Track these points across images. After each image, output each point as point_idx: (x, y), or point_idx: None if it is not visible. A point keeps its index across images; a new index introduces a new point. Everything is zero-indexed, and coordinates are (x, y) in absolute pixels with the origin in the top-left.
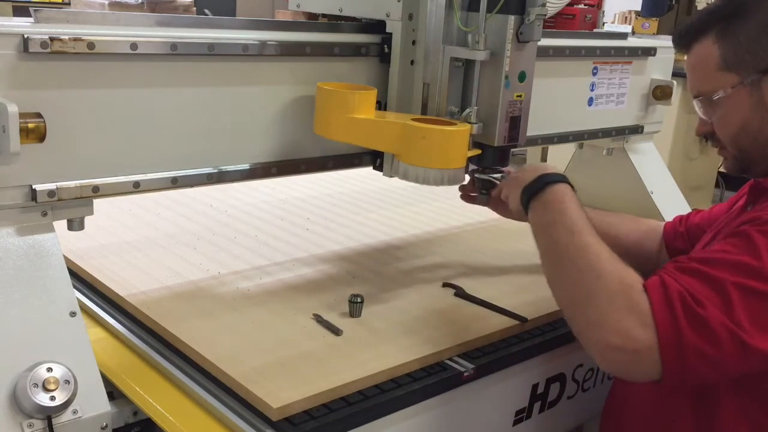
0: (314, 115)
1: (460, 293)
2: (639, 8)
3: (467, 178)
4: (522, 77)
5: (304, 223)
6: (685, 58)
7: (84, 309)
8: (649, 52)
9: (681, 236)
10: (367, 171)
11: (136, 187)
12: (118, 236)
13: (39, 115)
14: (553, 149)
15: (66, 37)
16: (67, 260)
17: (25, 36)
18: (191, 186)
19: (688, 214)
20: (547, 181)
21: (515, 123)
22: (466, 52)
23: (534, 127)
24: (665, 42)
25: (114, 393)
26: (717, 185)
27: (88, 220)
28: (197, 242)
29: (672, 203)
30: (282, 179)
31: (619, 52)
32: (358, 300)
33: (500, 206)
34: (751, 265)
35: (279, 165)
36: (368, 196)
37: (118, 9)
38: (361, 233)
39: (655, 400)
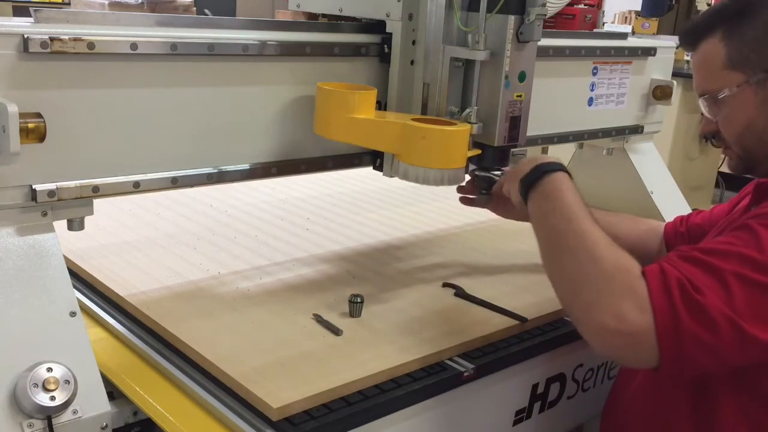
0: (314, 115)
1: (460, 293)
2: (639, 8)
3: (467, 178)
4: (522, 77)
5: (304, 223)
6: (691, 56)
7: (84, 309)
8: (649, 52)
9: (681, 236)
10: (367, 171)
11: (136, 187)
12: (118, 236)
13: (39, 115)
14: (553, 149)
15: (66, 37)
16: (67, 260)
17: (25, 36)
18: (191, 186)
19: (689, 215)
20: (544, 170)
21: (515, 123)
22: (466, 52)
23: (534, 127)
24: (665, 42)
25: (114, 393)
26: (717, 185)
27: (88, 220)
28: (197, 242)
29: (672, 203)
30: (282, 179)
31: (619, 52)
32: (358, 300)
33: (500, 207)
34: (754, 257)
35: (279, 165)
36: (368, 196)
37: (118, 9)
38: (361, 233)
39: (656, 400)
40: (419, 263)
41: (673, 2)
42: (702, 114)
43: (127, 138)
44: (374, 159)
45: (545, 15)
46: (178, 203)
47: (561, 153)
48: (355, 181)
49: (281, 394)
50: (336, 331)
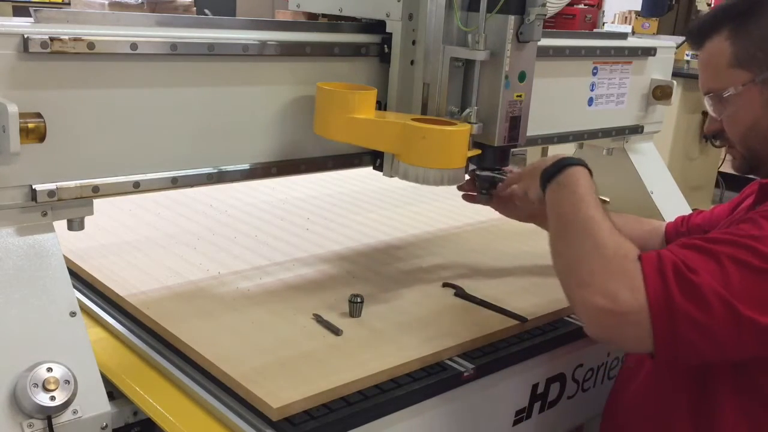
0: (314, 115)
1: (460, 293)
2: (639, 8)
3: (466, 177)
4: (522, 77)
5: (304, 223)
6: (697, 54)
7: (84, 309)
8: (649, 52)
9: (683, 236)
10: (367, 171)
11: (136, 187)
12: (118, 236)
13: (39, 115)
14: (553, 149)
15: (66, 37)
16: (67, 260)
17: (25, 36)
18: (191, 186)
19: (690, 215)
20: (565, 164)
21: (515, 123)
22: (466, 52)
23: (534, 127)
24: (665, 42)
25: (114, 393)
26: (717, 185)
27: (88, 220)
28: (197, 242)
29: (672, 203)
30: (282, 179)
31: (619, 52)
32: (358, 300)
33: (502, 206)
34: (754, 245)
35: (279, 165)
36: (368, 196)
37: (118, 9)
38: (361, 233)
39: (656, 400)
40: (419, 263)
41: (673, 2)
42: (703, 113)
43: (127, 138)
44: (374, 159)
45: (545, 15)
46: (178, 203)
47: (561, 153)
48: (355, 181)
49: (281, 394)
50: (336, 331)
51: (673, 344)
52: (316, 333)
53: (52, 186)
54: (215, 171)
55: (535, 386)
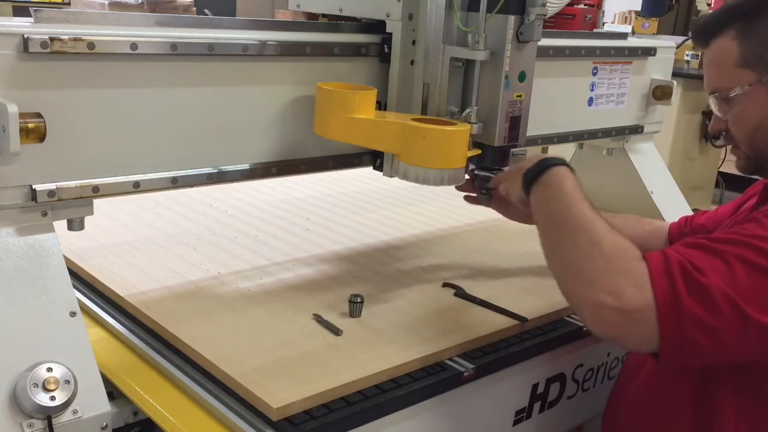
0: (314, 115)
1: (460, 293)
2: (639, 8)
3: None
4: (522, 77)
5: (304, 223)
6: (703, 53)
7: (84, 309)
8: (649, 52)
9: (686, 237)
10: (367, 171)
11: (136, 187)
12: (118, 236)
13: (39, 115)
14: (553, 149)
15: (66, 37)
16: (67, 260)
17: (25, 36)
18: (191, 186)
19: (694, 215)
20: (547, 164)
21: (515, 123)
22: (466, 52)
23: (534, 127)
24: (665, 42)
25: (114, 393)
26: (717, 185)
27: (88, 220)
28: (197, 242)
29: (672, 203)
30: (282, 179)
31: (619, 52)
32: (358, 300)
33: (503, 206)
34: (761, 245)
35: (279, 165)
36: (368, 196)
37: (118, 9)
38: (361, 233)
39: (657, 401)
40: (419, 263)
41: (673, 2)
42: (703, 113)
43: (127, 138)
44: (374, 159)
45: (545, 15)
46: (178, 203)
47: (561, 153)
48: (355, 181)
49: (281, 394)
50: (336, 331)
51: (678, 345)
52: (316, 333)
53: (52, 186)
54: (215, 171)
55: (535, 386)
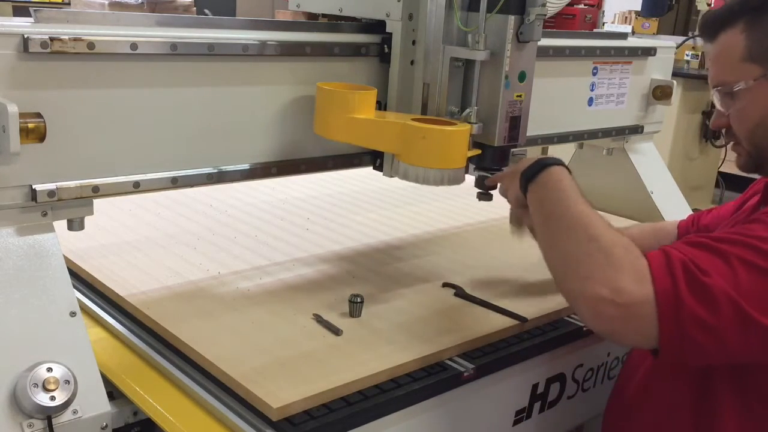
0: (314, 115)
1: (460, 293)
2: (639, 8)
3: (467, 178)
4: (522, 77)
5: (304, 223)
6: (710, 47)
7: (84, 309)
8: (649, 52)
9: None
10: (367, 171)
11: (136, 187)
12: (118, 236)
13: (39, 115)
14: (553, 149)
15: (66, 37)
16: (67, 260)
17: (25, 36)
18: (191, 186)
19: (700, 215)
20: (544, 164)
21: (515, 123)
22: (466, 52)
23: (534, 127)
24: (665, 42)
25: (114, 393)
26: (717, 185)
27: (88, 220)
28: (197, 242)
29: (672, 203)
30: (282, 179)
31: (619, 52)
32: (358, 300)
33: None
34: (761, 246)
35: (279, 165)
36: (368, 196)
37: (118, 9)
38: (361, 233)
39: (656, 401)
40: (419, 263)
41: (673, 2)
42: (703, 113)
43: (127, 138)
44: (374, 159)
45: (545, 15)
46: (178, 203)
47: (561, 153)
48: (355, 181)
49: (281, 394)
50: (336, 331)
51: (678, 343)
52: (316, 333)
53: (52, 186)
54: (215, 171)
55: (535, 386)
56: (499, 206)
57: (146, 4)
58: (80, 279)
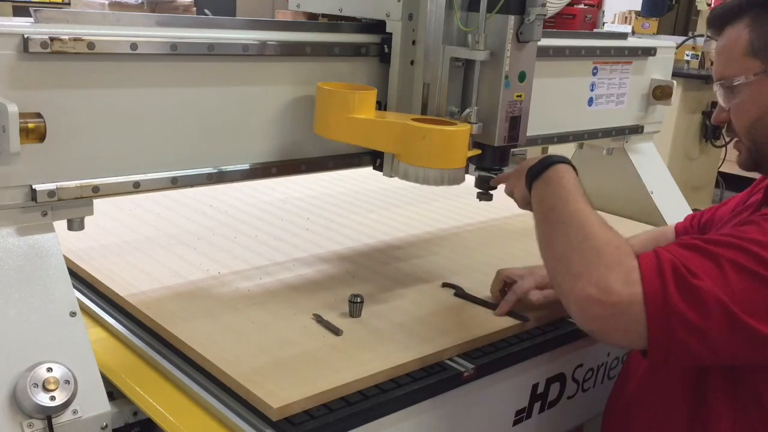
0: (314, 115)
1: (460, 293)
2: (639, 8)
3: (467, 178)
4: (522, 77)
5: (304, 223)
6: (716, 40)
7: (84, 309)
8: (649, 52)
9: (694, 232)
10: (367, 171)
11: (136, 187)
12: (119, 236)
13: (39, 115)
14: (553, 149)
15: (66, 37)
16: (67, 260)
17: (25, 36)
18: (191, 186)
19: (702, 212)
20: (549, 162)
21: (515, 123)
22: (466, 52)
23: (534, 127)
24: (665, 42)
25: (114, 393)
26: (717, 185)
27: (88, 220)
28: (197, 242)
29: (672, 203)
30: (282, 179)
31: (619, 52)
32: (358, 300)
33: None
34: (755, 250)
35: (279, 165)
36: (368, 196)
37: (118, 9)
38: (361, 233)
39: (652, 403)
40: (419, 263)
41: (673, 2)
42: (703, 113)
43: (127, 138)
44: (374, 159)
45: (545, 15)
46: (178, 203)
47: (561, 153)
48: (355, 181)
49: (281, 394)
50: (336, 331)
51: (666, 345)
52: (316, 333)
53: (52, 186)
54: (215, 171)
55: (535, 386)
56: (499, 206)
57: (146, 4)
58: (80, 279)
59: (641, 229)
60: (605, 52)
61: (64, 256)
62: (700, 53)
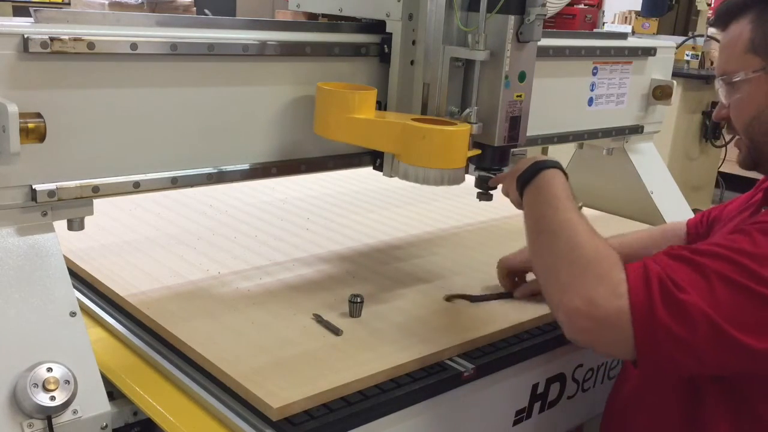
0: (314, 115)
1: (474, 298)
2: (639, 8)
3: (467, 178)
4: (522, 77)
5: (304, 223)
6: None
7: (84, 309)
8: (649, 52)
9: (702, 236)
10: (367, 171)
11: (136, 187)
12: (119, 236)
13: (39, 115)
14: (553, 149)
15: (66, 37)
16: (67, 260)
17: (25, 36)
18: (191, 186)
19: (712, 209)
20: (539, 167)
21: (515, 123)
22: (466, 52)
23: (534, 127)
24: (665, 42)
25: (114, 393)
26: (717, 185)
27: (88, 220)
28: (197, 242)
29: (672, 203)
30: (282, 179)
31: (619, 52)
32: (358, 300)
33: None
34: (744, 262)
35: (279, 165)
36: (368, 196)
37: (118, 9)
38: (361, 233)
39: (648, 402)
40: (419, 263)
41: (673, 2)
42: (703, 113)
43: (127, 138)
44: (374, 159)
45: (545, 15)
46: (178, 203)
47: (561, 153)
48: (355, 181)
49: (281, 394)
50: (336, 331)
51: (653, 357)
52: (316, 333)
53: (52, 186)
54: (215, 171)
55: (535, 386)
56: (499, 206)
57: (146, 4)
58: (80, 279)
59: (641, 229)
60: (605, 52)
61: (64, 256)
62: (700, 53)
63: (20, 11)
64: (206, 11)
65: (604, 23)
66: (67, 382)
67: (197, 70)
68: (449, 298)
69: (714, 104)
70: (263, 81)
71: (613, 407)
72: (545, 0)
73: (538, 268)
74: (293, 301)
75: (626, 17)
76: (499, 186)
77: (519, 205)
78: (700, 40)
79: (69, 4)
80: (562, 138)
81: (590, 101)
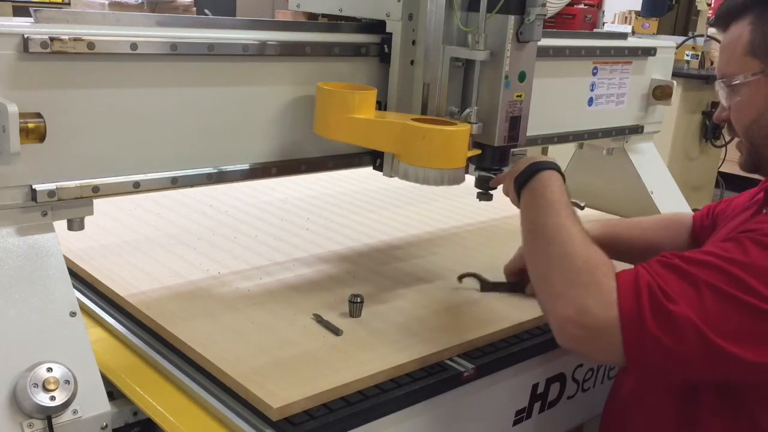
0: (314, 115)
1: (484, 284)
2: (639, 8)
3: (467, 178)
4: (522, 77)
5: (304, 223)
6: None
7: (84, 309)
8: (649, 52)
9: (707, 229)
10: (367, 171)
11: (136, 187)
12: (119, 236)
13: (39, 115)
14: (553, 149)
15: (66, 37)
16: (67, 260)
17: (25, 36)
18: (191, 186)
19: (719, 202)
20: (536, 169)
21: (515, 123)
22: (466, 52)
23: (534, 127)
24: (665, 42)
25: (114, 393)
26: (717, 185)
27: (88, 220)
28: (197, 242)
29: (672, 203)
30: (282, 179)
31: (619, 52)
32: (358, 300)
33: None
34: (734, 272)
35: (279, 165)
36: (368, 196)
37: (118, 9)
38: (361, 233)
39: (645, 403)
40: (419, 263)
41: (673, 2)
42: (703, 113)
43: (127, 138)
44: (374, 159)
45: (545, 15)
46: (178, 203)
47: (561, 153)
48: (355, 181)
49: (281, 394)
50: (336, 331)
51: (643, 366)
52: (316, 333)
53: (52, 186)
54: (215, 171)
55: (535, 386)
56: (500, 206)
57: (146, 4)
58: (80, 279)
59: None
60: (605, 52)
61: (64, 256)
62: (700, 53)
63: (20, 11)
64: (206, 11)
65: (604, 23)
66: (67, 382)
67: (197, 70)
68: (461, 277)
69: (714, 104)
70: (263, 81)
71: (612, 408)
72: (545, 0)
73: (532, 272)
74: (293, 301)
75: (626, 17)
76: (500, 186)
77: (518, 204)
78: (700, 40)
79: (69, 4)
80: (562, 138)
81: (590, 101)
